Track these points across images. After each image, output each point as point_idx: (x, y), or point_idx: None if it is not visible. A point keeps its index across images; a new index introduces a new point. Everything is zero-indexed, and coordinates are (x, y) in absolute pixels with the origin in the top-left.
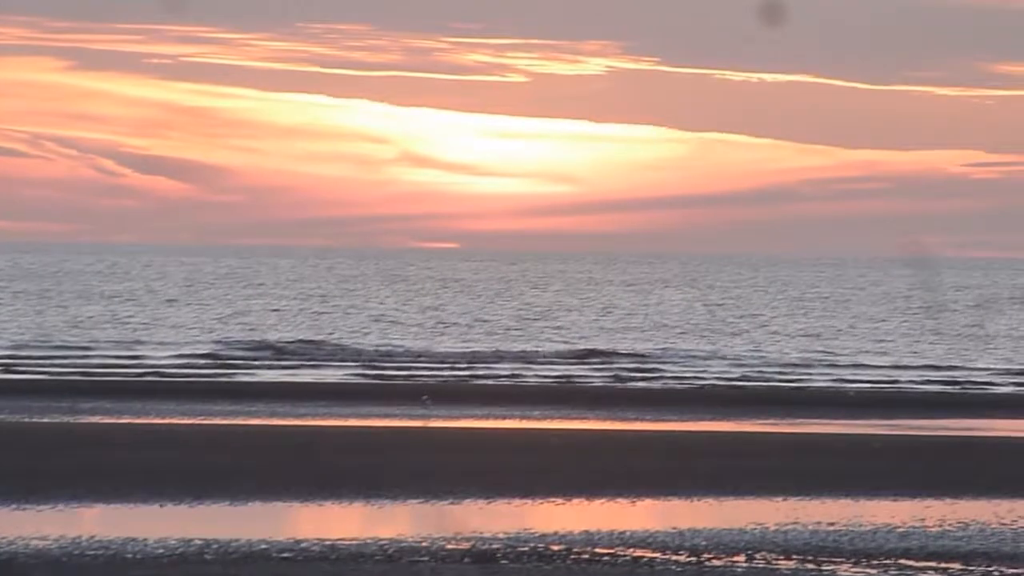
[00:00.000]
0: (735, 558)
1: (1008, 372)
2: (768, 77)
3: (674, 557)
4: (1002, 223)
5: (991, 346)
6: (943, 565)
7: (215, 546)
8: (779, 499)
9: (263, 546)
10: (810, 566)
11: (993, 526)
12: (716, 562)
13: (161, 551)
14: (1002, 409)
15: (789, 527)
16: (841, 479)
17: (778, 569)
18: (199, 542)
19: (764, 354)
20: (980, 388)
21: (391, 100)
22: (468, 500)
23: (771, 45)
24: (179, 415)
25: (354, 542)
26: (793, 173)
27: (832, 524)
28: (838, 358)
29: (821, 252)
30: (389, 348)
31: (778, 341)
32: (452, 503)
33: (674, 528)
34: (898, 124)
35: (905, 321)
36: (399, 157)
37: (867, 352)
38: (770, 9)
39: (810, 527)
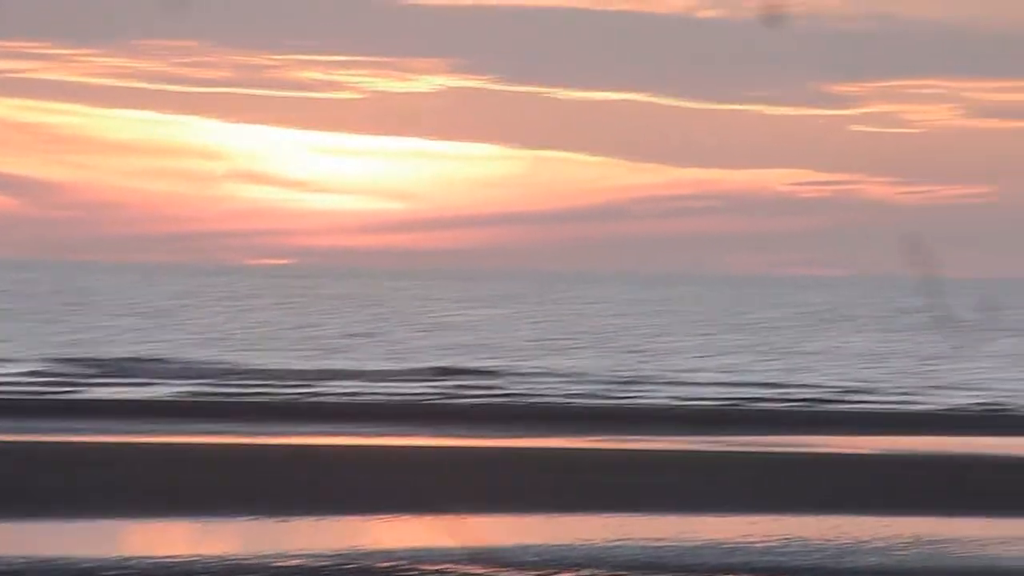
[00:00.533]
0: (563, 574)
1: (836, 389)
2: (600, 96)
3: (502, 573)
4: (831, 241)
5: (821, 362)
6: None
7: (39, 564)
8: (608, 515)
9: (88, 564)
10: None
11: (817, 541)
12: None
13: None
14: (829, 426)
15: (617, 543)
16: (671, 495)
17: None
18: (21, 561)
19: (598, 370)
20: (806, 405)
21: (223, 116)
22: (298, 517)
23: (604, 64)
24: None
25: (182, 559)
26: (626, 191)
27: (659, 540)
28: (674, 374)
29: (654, 269)
30: (222, 365)
31: (613, 357)
32: (282, 520)
33: (503, 544)
34: (729, 142)
35: (739, 338)
36: (232, 173)
37: (704, 370)
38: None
39: (639, 543)
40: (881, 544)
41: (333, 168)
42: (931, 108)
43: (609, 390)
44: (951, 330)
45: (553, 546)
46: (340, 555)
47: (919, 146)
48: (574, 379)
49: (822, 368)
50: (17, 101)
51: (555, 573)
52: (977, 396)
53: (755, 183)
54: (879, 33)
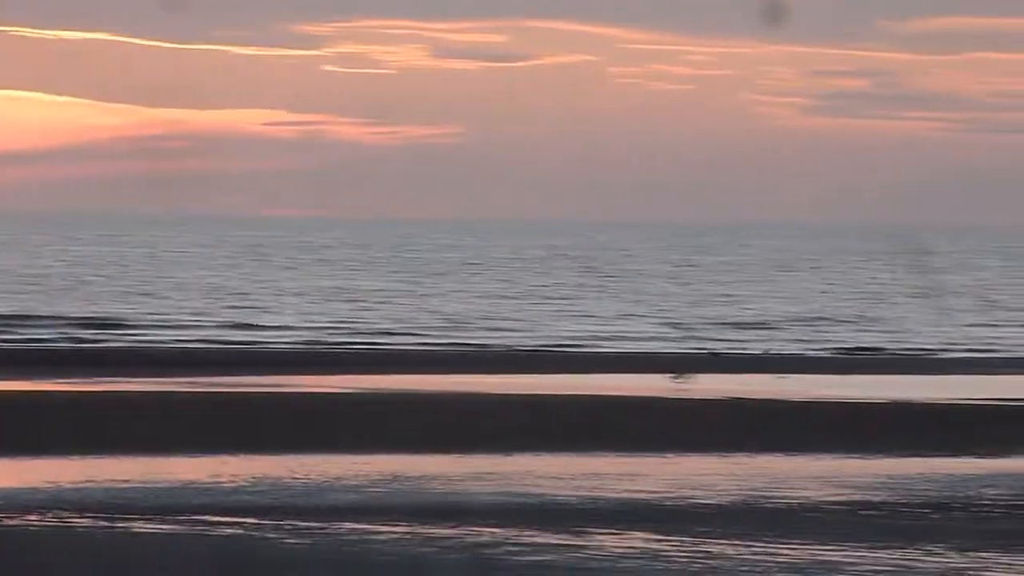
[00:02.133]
0: (28, 516)
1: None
2: (66, 34)
3: None
4: (304, 180)
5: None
6: (238, 520)
7: None
8: (74, 457)
9: None
10: (103, 523)
11: (286, 480)
12: (9, 521)
13: None
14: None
15: (84, 485)
16: (138, 438)
17: (73, 527)
18: None
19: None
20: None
21: None
22: None
23: (71, 3)
24: None
25: None
26: (96, 131)
27: (127, 481)
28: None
29: (128, 209)
30: None
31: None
32: None
33: None
34: (200, 83)
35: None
36: None
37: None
38: None
39: (104, 485)
40: (356, 482)
41: None
42: (400, 49)
43: (71, 334)
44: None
45: (19, 488)
46: None
47: (389, 86)
48: (40, 323)
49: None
50: None
51: (20, 515)
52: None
53: (228, 123)
54: None
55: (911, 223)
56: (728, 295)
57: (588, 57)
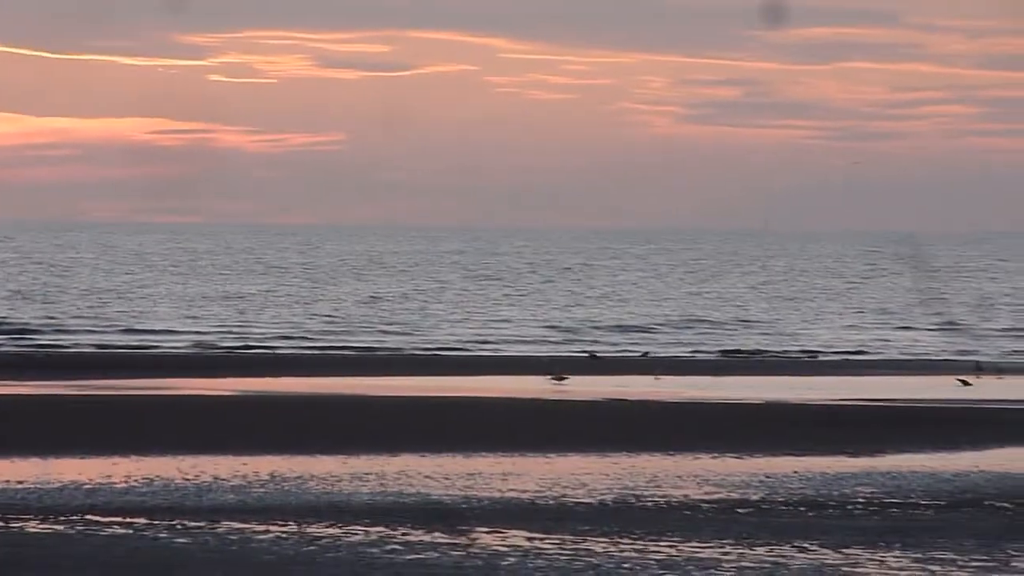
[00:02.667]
0: None
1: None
2: None
3: None
4: (187, 188)
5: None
6: (128, 520)
7: None
8: None
9: None
10: None
11: (178, 481)
12: None
13: None
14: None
15: None
16: (30, 440)
17: None
18: None
19: None
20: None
21: None
22: None
23: None
24: None
25: None
26: None
27: (22, 483)
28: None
29: (18, 217)
30: None
31: None
32: None
33: None
34: (86, 92)
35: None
36: None
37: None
38: None
39: None
40: (240, 482)
41: None
42: (284, 59)
43: None
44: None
45: None
46: None
47: (273, 96)
48: None
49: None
50: None
51: None
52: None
53: (113, 132)
54: None
55: (784, 228)
56: (609, 299)
57: (468, 67)
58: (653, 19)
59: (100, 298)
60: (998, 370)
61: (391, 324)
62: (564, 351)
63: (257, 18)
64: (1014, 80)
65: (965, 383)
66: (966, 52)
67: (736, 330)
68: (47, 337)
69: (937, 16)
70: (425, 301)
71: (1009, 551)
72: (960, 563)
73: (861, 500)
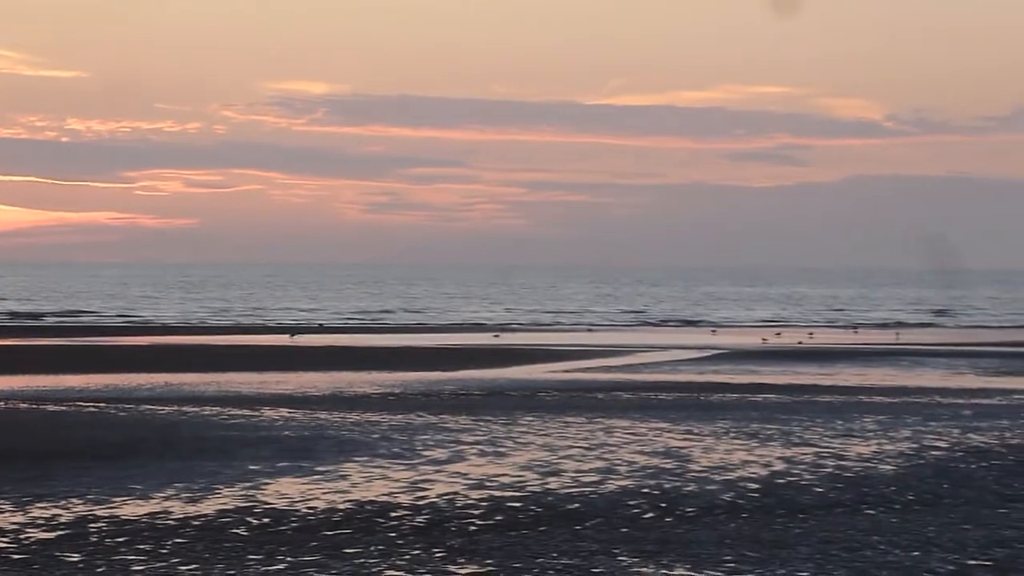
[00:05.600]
0: None
1: None
2: None
3: None
4: None
5: None
6: (92, 404)
7: None
8: None
9: None
10: None
11: (120, 386)
12: None
13: None
14: None
15: None
16: None
17: None
18: None
19: None
20: None
21: None
22: None
23: None
24: None
25: None
26: None
27: (38, 387)
28: None
29: None
30: None
31: None
32: None
33: None
34: None
35: None
36: None
37: None
38: None
39: None
40: (151, 387)
41: None
42: None
43: None
44: None
45: None
46: None
47: None
48: None
49: None
50: None
51: None
52: None
53: None
54: None
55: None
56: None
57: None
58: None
59: None
60: (503, 329)
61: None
62: (291, 323)
63: None
64: None
65: (496, 336)
66: None
67: (397, 313)
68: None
69: None
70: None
71: (515, 415)
72: (491, 419)
73: (448, 392)
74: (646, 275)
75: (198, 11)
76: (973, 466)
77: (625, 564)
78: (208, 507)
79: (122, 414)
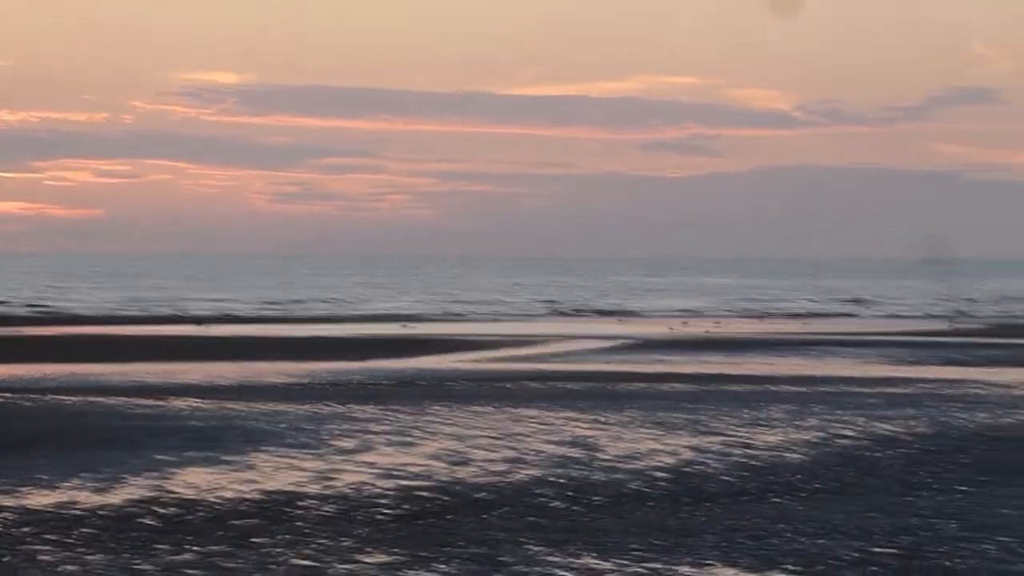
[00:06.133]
0: None
1: None
2: None
3: None
4: None
5: None
6: (1, 395)
7: None
8: None
9: None
10: None
11: (25, 377)
12: None
13: None
14: None
15: None
16: None
17: None
18: None
19: None
20: None
21: None
22: None
23: None
24: None
25: None
26: None
27: None
28: None
29: None
30: None
31: None
32: None
33: None
34: None
35: None
36: None
37: None
38: None
39: None
40: (56, 377)
41: None
42: None
43: None
44: None
45: None
46: None
47: None
48: None
49: None
50: None
51: None
52: None
53: None
54: None
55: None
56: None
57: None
58: None
59: None
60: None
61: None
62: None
63: None
64: None
65: (405, 326)
66: None
67: (307, 302)
68: None
69: None
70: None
71: (424, 404)
72: (399, 408)
73: (355, 381)
74: (558, 265)
75: (107, 1)
76: (879, 454)
77: (533, 553)
78: (115, 497)
79: (28, 404)
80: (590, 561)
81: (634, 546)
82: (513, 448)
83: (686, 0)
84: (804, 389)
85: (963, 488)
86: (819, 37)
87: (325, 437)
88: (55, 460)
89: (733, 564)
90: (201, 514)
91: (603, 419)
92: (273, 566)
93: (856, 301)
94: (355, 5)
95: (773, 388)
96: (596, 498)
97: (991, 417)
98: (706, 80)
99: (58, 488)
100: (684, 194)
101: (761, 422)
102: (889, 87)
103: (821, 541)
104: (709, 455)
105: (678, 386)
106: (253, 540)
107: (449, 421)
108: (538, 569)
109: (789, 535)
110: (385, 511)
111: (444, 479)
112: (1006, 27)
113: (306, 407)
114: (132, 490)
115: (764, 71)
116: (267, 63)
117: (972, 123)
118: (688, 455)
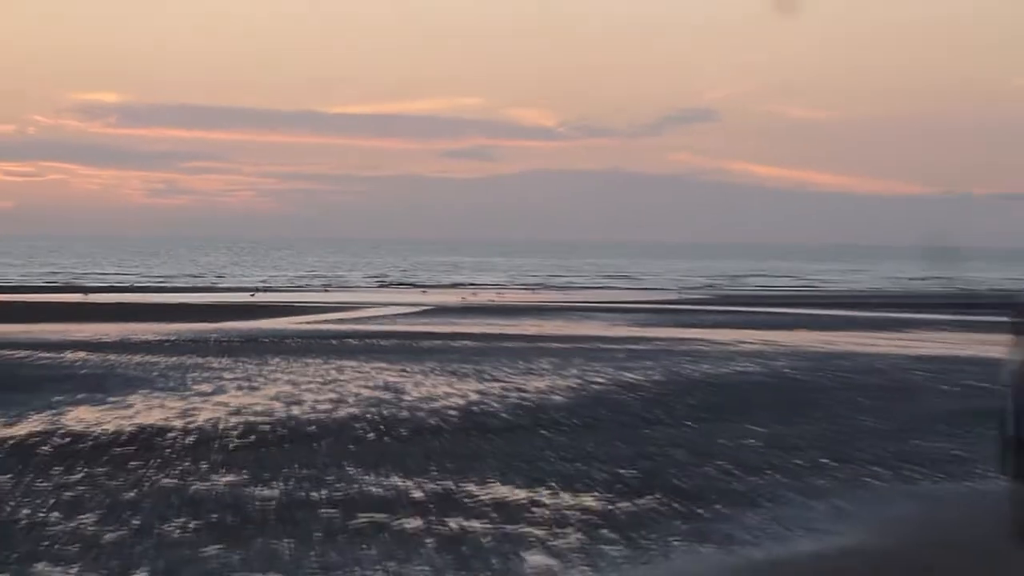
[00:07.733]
0: None
1: None
2: None
3: None
4: None
5: None
6: None
7: None
8: None
9: None
10: None
11: None
12: None
13: None
14: None
15: None
16: None
17: None
18: None
19: None
20: None
21: None
22: None
23: None
24: None
25: None
26: None
27: None
28: None
29: None
30: None
31: None
32: None
33: None
34: None
35: None
36: None
37: None
38: None
39: None
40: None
41: None
42: None
43: None
44: None
45: None
46: None
47: None
48: None
49: None
50: None
51: None
52: None
53: None
54: None
55: None
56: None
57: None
58: None
59: None
60: (260, 289)
61: None
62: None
63: None
64: None
65: (253, 295)
66: None
67: (177, 277)
68: None
69: None
70: None
71: (266, 357)
72: (247, 360)
73: (213, 339)
74: (374, 246)
75: (12, 31)
76: (624, 397)
77: (351, 474)
78: (20, 430)
79: None
80: (397, 480)
81: (432, 469)
82: (336, 392)
83: (478, 36)
84: (566, 346)
85: (689, 423)
86: (577, 68)
87: (188, 383)
88: None
89: (510, 483)
90: (89, 443)
91: (408, 369)
92: (146, 483)
93: (618, 275)
94: (216, 39)
95: (542, 345)
96: (402, 431)
97: (712, 368)
98: (489, 101)
99: None
100: (471, 191)
101: (532, 372)
102: (633, 108)
103: (579, 464)
104: (491, 397)
105: (467, 343)
106: (130, 464)
107: (286, 371)
108: (355, 487)
109: (554, 460)
110: (235, 441)
111: (281, 416)
112: (724, 62)
113: (173, 359)
114: (33, 424)
115: (534, 95)
116: (144, 85)
117: (697, 137)
118: (475, 397)
